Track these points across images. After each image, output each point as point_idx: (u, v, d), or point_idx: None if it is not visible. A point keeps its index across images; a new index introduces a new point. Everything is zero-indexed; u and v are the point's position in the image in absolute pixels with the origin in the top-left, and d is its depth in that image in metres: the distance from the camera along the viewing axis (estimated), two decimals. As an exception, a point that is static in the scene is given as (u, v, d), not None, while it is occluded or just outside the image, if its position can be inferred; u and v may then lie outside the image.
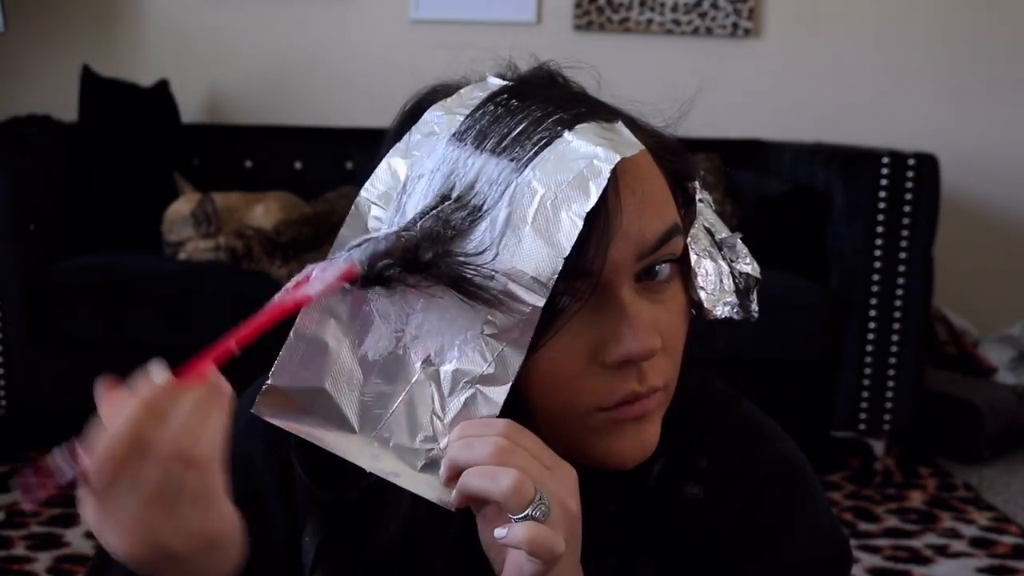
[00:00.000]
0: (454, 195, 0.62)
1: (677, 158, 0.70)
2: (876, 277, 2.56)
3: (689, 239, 0.69)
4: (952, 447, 2.87)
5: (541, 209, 0.60)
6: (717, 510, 0.72)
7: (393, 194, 0.65)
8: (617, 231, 0.62)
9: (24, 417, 2.78)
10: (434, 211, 0.62)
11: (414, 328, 0.64)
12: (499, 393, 0.62)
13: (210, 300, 2.58)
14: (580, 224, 0.59)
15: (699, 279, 0.69)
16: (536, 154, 0.61)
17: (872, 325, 2.57)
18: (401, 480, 0.63)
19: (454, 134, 0.64)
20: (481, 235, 0.61)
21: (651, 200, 0.64)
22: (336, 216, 2.87)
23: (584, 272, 0.62)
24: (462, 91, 0.68)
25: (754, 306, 0.72)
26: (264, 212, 2.88)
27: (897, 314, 2.56)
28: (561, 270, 0.60)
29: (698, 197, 0.72)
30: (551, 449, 0.62)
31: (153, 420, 0.54)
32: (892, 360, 2.58)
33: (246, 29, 3.41)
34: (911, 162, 2.52)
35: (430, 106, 0.67)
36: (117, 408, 0.54)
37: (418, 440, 0.64)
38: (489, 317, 0.62)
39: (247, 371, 0.83)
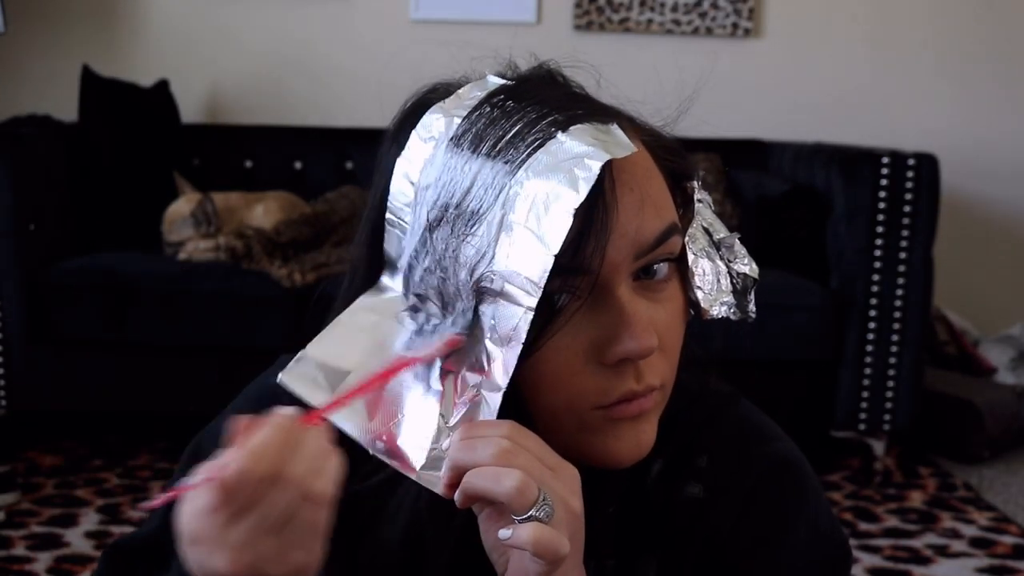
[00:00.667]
0: (454, 203, 0.63)
1: (676, 158, 0.70)
2: (876, 277, 2.56)
3: (687, 239, 0.69)
4: (952, 447, 2.87)
5: (533, 209, 0.60)
6: (716, 509, 0.72)
7: (410, 206, 0.67)
8: (615, 229, 0.62)
9: (24, 417, 2.78)
10: (441, 223, 0.63)
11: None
12: (496, 398, 0.63)
13: (210, 300, 2.58)
14: (569, 220, 0.59)
15: (696, 279, 0.69)
16: (529, 156, 0.62)
17: (872, 325, 2.57)
18: (405, 471, 0.64)
19: (452, 138, 0.65)
20: (479, 239, 0.62)
21: (649, 199, 0.64)
22: (336, 216, 2.87)
23: (582, 270, 0.62)
24: (460, 91, 0.68)
25: (751, 306, 0.72)
26: (264, 212, 2.88)
27: (897, 314, 2.56)
28: (559, 268, 0.60)
29: (696, 197, 0.72)
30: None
31: (289, 452, 0.55)
32: (892, 360, 2.58)
33: (246, 29, 3.41)
34: (911, 162, 2.52)
35: (429, 105, 0.68)
36: (256, 436, 0.55)
37: (423, 439, 0.64)
38: (492, 322, 0.62)
39: (248, 371, 0.84)
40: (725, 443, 0.75)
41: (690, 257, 0.69)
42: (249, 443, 0.55)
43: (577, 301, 0.63)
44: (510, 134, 0.63)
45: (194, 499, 0.55)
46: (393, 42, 3.37)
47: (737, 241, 0.72)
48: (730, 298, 0.71)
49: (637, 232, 0.63)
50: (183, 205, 2.79)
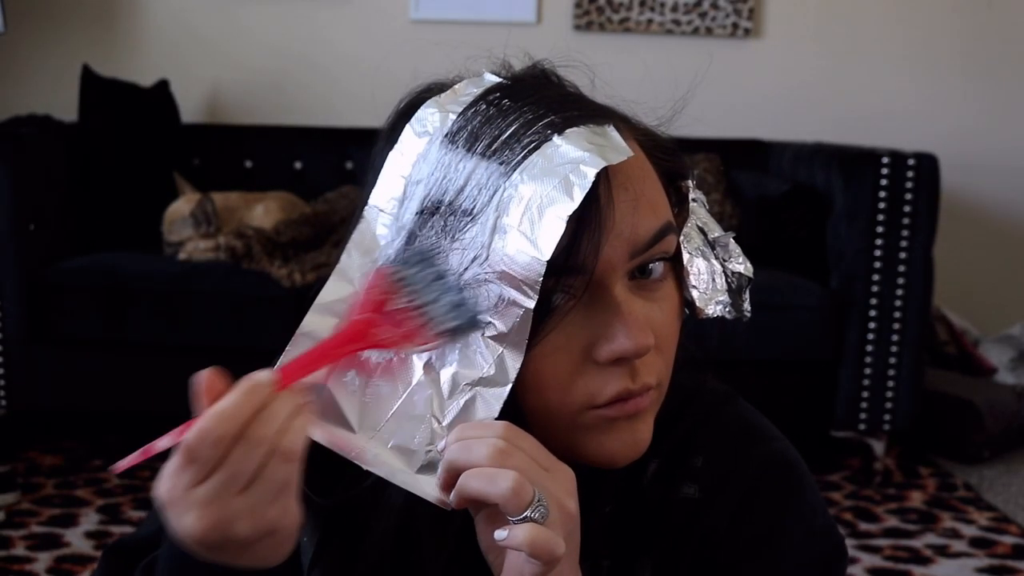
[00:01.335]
0: (446, 200, 0.63)
1: (671, 157, 0.70)
2: (876, 277, 2.56)
3: (682, 238, 0.69)
4: (952, 447, 2.87)
5: (527, 213, 0.60)
6: (712, 509, 0.72)
7: (395, 201, 0.66)
8: (610, 228, 0.62)
9: (24, 417, 2.78)
10: (431, 219, 0.63)
11: None
12: (498, 395, 0.62)
13: (210, 300, 2.58)
14: (563, 226, 0.59)
15: (692, 278, 0.69)
16: (524, 158, 0.62)
17: (872, 325, 2.57)
18: (399, 480, 0.64)
19: (446, 135, 0.65)
20: (472, 239, 0.62)
21: (644, 198, 0.64)
22: (336, 216, 2.87)
23: (577, 269, 0.62)
24: (456, 87, 0.68)
25: (746, 305, 0.72)
26: (264, 212, 2.88)
27: (897, 314, 2.56)
28: (554, 267, 0.60)
29: (691, 196, 0.72)
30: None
31: (252, 411, 0.56)
32: (892, 360, 2.58)
33: (246, 29, 3.41)
34: (911, 162, 2.52)
35: (423, 104, 0.67)
36: (222, 397, 0.57)
37: (416, 442, 0.64)
38: (490, 319, 0.62)
39: (248, 372, 0.83)
40: (721, 443, 0.74)
41: (685, 256, 0.69)
42: (215, 405, 0.56)
43: (572, 300, 0.63)
44: (506, 134, 0.63)
45: (168, 464, 0.57)
46: (393, 42, 3.37)
47: (732, 240, 0.72)
48: (725, 297, 0.71)
49: (632, 231, 0.63)
50: (183, 205, 2.79)
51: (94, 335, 2.61)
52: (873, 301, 2.57)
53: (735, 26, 3.40)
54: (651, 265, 0.65)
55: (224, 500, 0.55)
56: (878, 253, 2.55)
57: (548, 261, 0.59)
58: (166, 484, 0.57)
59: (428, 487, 0.63)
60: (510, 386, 0.62)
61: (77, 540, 2.22)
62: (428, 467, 0.63)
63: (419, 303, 0.63)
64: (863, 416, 2.61)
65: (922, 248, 2.55)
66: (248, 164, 3.23)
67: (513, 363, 0.62)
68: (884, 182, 2.53)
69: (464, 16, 3.37)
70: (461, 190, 0.62)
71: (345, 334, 0.63)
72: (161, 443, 0.57)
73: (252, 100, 3.42)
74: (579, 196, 0.59)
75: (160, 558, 0.65)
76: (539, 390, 0.64)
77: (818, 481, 2.69)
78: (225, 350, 2.58)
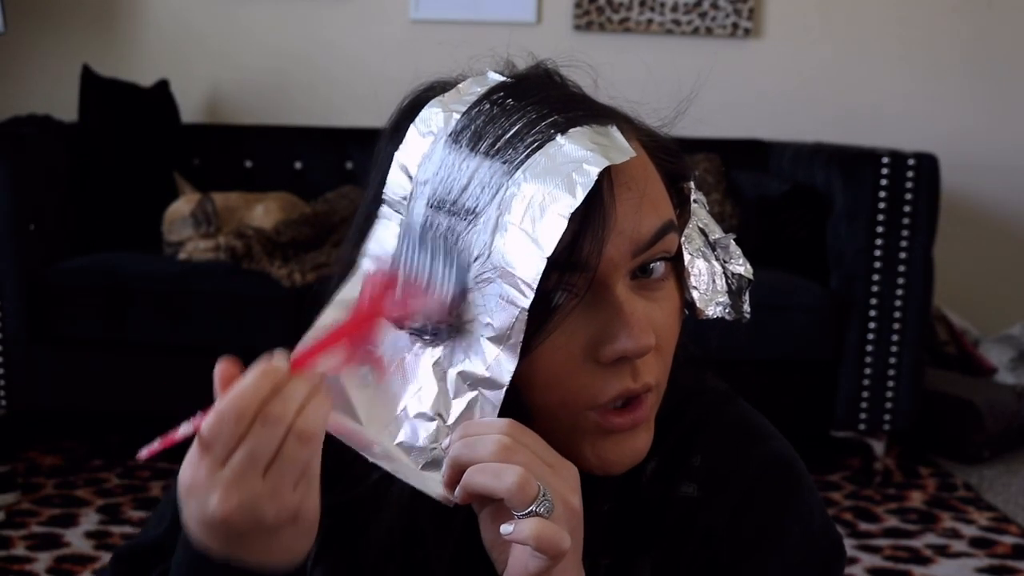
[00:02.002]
0: (451, 199, 0.63)
1: (673, 158, 0.70)
2: (876, 277, 2.56)
3: (683, 239, 0.69)
4: (952, 447, 2.87)
5: (529, 211, 0.60)
6: (711, 509, 0.72)
7: (403, 201, 0.67)
8: (613, 226, 0.62)
9: (24, 417, 2.78)
10: (436, 218, 0.63)
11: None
12: (496, 397, 0.63)
13: (210, 300, 2.59)
14: (564, 223, 0.59)
15: (692, 279, 0.70)
16: (528, 157, 0.62)
17: (872, 325, 2.57)
18: (404, 475, 0.64)
19: (451, 134, 0.65)
20: (475, 238, 0.62)
21: (647, 197, 0.64)
22: (336, 216, 2.87)
23: (579, 267, 0.62)
24: (460, 86, 0.68)
25: (746, 307, 0.72)
26: (264, 212, 2.88)
27: (897, 314, 2.56)
28: (556, 265, 0.60)
29: (692, 197, 0.72)
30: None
31: (273, 393, 0.56)
32: (892, 360, 2.58)
33: (246, 29, 3.41)
34: (911, 162, 2.52)
35: (427, 103, 0.68)
36: (240, 381, 0.57)
37: (422, 439, 0.64)
38: (488, 320, 0.62)
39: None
40: (720, 442, 0.75)
41: (686, 257, 0.69)
42: (232, 387, 0.56)
43: (574, 299, 0.63)
44: (509, 133, 0.63)
45: (189, 454, 0.57)
46: (393, 42, 3.38)
47: (732, 242, 0.72)
48: (725, 298, 0.71)
49: (634, 230, 0.63)
50: (183, 205, 2.79)
51: (94, 335, 2.61)
52: (873, 301, 2.57)
53: (735, 26, 3.40)
54: (653, 264, 0.66)
55: (247, 480, 0.56)
56: (878, 253, 2.55)
57: (551, 258, 0.59)
58: (188, 470, 0.57)
59: (433, 484, 0.64)
60: (504, 389, 0.62)
61: (77, 540, 2.22)
62: (433, 464, 0.64)
63: (419, 274, 0.64)
64: (863, 416, 2.61)
65: (922, 248, 2.55)
66: (248, 164, 3.24)
67: (508, 365, 0.62)
68: (884, 182, 2.53)
69: (464, 16, 3.37)
70: (464, 189, 0.63)
71: (353, 317, 0.64)
72: (181, 431, 0.58)
73: (252, 100, 3.43)
74: (581, 194, 0.59)
75: (174, 563, 0.64)
76: (542, 389, 0.64)
77: (818, 481, 2.69)
78: (225, 350, 2.56)
